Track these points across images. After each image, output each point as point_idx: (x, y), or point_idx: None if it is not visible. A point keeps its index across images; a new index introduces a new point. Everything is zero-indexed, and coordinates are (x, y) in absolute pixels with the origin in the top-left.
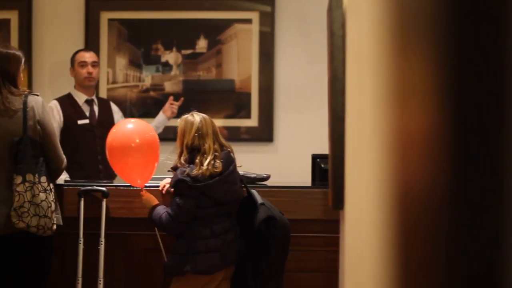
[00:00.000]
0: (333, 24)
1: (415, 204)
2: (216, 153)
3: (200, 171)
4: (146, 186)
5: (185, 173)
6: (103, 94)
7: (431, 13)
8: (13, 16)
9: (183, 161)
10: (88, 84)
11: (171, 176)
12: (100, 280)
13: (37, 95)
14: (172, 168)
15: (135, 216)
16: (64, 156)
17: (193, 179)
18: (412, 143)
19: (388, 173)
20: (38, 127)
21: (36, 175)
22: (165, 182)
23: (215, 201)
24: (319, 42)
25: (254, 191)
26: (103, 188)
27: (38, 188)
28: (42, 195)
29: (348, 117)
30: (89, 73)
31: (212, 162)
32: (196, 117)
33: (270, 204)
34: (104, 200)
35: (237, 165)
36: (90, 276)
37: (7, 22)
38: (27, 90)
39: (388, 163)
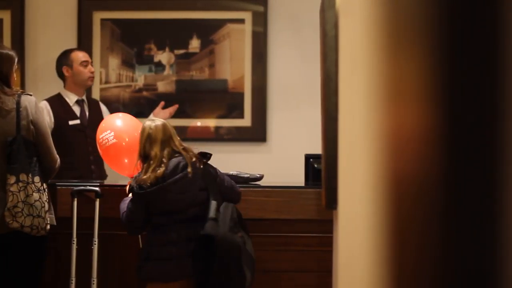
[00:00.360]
0: (325, 25)
1: (409, 203)
2: (163, 160)
3: (144, 177)
4: None
5: (135, 179)
6: (96, 94)
7: (424, 12)
8: (5, 16)
9: (138, 167)
10: (90, 84)
11: None
12: (93, 280)
13: (30, 95)
14: None
15: None
16: (57, 156)
17: (139, 186)
18: (405, 142)
19: (381, 172)
20: (32, 127)
21: (30, 175)
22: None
23: (161, 209)
24: (312, 42)
25: (213, 203)
26: (97, 188)
27: (31, 188)
28: (36, 195)
29: (341, 117)
30: (92, 72)
31: (157, 169)
32: (149, 124)
33: (227, 218)
34: (98, 200)
35: (215, 166)
36: (83, 276)
37: None
38: (20, 90)
39: (381, 162)
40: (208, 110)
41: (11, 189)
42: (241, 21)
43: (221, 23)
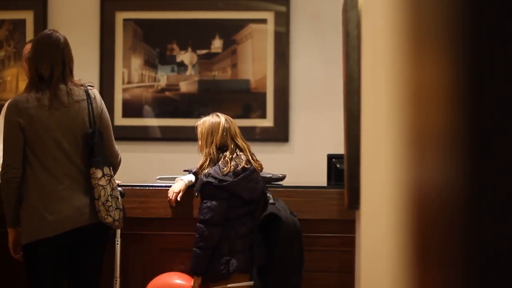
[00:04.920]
0: (348, 24)
1: (431, 203)
2: (251, 151)
3: (232, 167)
4: (163, 186)
5: (210, 175)
6: (118, 94)
7: (446, 12)
8: (28, 16)
9: (208, 162)
10: None
11: (173, 182)
12: (116, 280)
13: (93, 87)
14: (192, 172)
15: (150, 216)
16: (119, 151)
17: (219, 179)
18: (428, 142)
19: (404, 172)
20: (99, 119)
21: (111, 168)
22: (173, 191)
23: (243, 199)
24: (334, 42)
25: (268, 192)
26: (119, 188)
27: (114, 181)
28: (116, 188)
29: (363, 116)
30: None
31: (249, 157)
32: (221, 118)
33: (283, 205)
34: (120, 200)
35: None
36: (106, 276)
37: (22, 22)
38: (82, 81)
39: (404, 162)
40: (230, 110)
41: (100, 182)
42: (264, 21)
43: (243, 23)
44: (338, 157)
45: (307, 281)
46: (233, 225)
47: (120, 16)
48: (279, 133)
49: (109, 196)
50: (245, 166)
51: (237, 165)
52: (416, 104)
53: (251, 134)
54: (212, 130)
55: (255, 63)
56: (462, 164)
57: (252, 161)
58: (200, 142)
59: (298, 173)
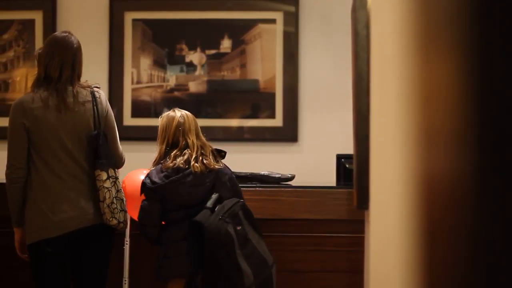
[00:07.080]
0: (357, 24)
1: (440, 203)
2: (202, 150)
3: (171, 164)
4: None
5: (147, 175)
6: (127, 94)
7: (454, 12)
8: (37, 17)
9: (157, 160)
10: None
11: None
12: (125, 280)
13: (99, 87)
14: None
15: None
16: (123, 154)
17: (152, 181)
18: (437, 141)
19: (413, 172)
20: (104, 121)
21: (116, 170)
22: None
23: (178, 203)
24: (343, 42)
25: (214, 195)
26: None
27: (119, 183)
28: (122, 190)
29: (372, 116)
30: None
31: (191, 158)
32: (177, 113)
33: (221, 211)
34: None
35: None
36: (115, 276)
37: (31, 22)
38: (89, 83)
39: (413, 162)
40: (239, 110)
41: (105, 185)
42: (272, 21)
43: (252, 23)
44: (347, 157)
45: (316, 281)
46: (169, 228)
47: (129, 16)
48: (288, 133)
49: (114, 198)
50: (180, 166)
51: (175, 165)
52: (425, 104)
53: (259, 134)
54: (166, 126)
55: (264, 63)
56: (471, 164)
57: (192, 161)
58: (158, 138)
59: (307, 173)
